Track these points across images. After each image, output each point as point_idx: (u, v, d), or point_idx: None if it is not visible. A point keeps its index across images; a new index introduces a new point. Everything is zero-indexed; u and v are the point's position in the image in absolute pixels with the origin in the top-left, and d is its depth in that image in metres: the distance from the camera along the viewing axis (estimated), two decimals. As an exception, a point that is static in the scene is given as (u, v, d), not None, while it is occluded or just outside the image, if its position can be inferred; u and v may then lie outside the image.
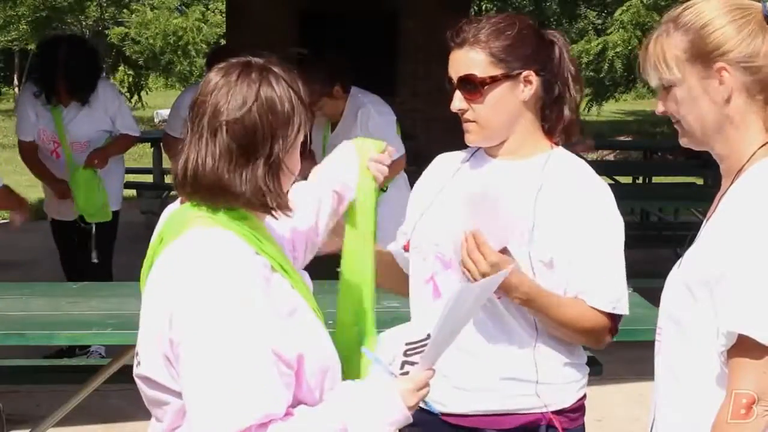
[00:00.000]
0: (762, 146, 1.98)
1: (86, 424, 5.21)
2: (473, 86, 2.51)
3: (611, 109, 30.14)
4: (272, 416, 1.92)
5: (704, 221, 2.08)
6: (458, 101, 2.54)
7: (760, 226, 1.87)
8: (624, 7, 24.40)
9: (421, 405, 2.15)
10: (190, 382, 1.93)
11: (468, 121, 2.55)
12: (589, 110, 29.14)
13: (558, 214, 2.49)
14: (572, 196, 2.51)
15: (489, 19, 2.54)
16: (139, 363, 2.07)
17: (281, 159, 2.00)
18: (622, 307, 2.56)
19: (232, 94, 1.98)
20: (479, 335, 2.54)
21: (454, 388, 2.58)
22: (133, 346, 2.17)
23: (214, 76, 2.03)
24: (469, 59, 2.51)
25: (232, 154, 1.98)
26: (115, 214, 6.42)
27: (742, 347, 1.87)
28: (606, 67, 25.00)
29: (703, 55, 1.97)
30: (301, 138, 2.04)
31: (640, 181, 12.22)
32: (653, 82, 2.06)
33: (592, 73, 26.37)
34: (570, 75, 2.60)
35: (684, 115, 2.02)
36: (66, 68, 6.06)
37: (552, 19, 28.12)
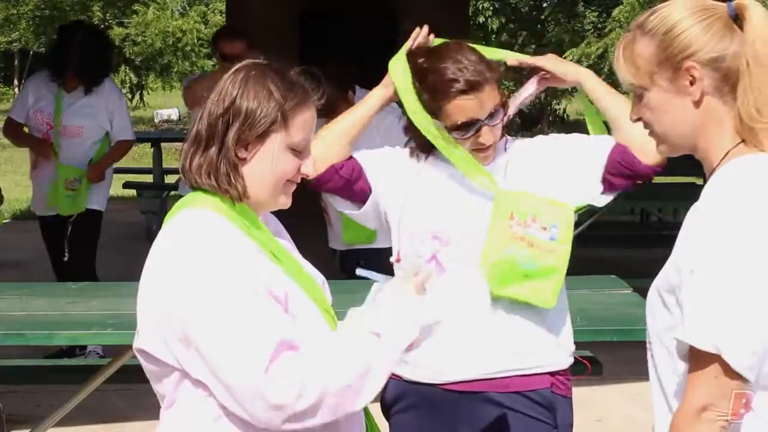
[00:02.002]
0: (735, 146, 1.97)
1: (86, 424, 5.21)
2: (497, 116, 2.70)
3: (611, 109, 30.11)
4: (290, 338, 2.03)
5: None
6: (490, 135, 2.70)
7: (715, 234, 1.86)
8: (622, 6, 24.39)
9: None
10: (206, 342, 2.03)
11: (490, 146, 2.73)
12: (589, 110, 29.13)
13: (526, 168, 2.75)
14: (533, 149, 2.80)
15: (469, 53, 2.70)
16: (138, 336, 2.17)
17: (234, 148, 2.14)
18: None
19: (218, 91, 2.18)
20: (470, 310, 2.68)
21: (453, 355, 2.68)
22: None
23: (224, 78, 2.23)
24: (488, 96, 2.68)
25: (199, 139, 2.16)
26: (98, 214, 6.43)
27: (693, 356, 1.86)
28: (606, 69, 24.99)
29: (671, 57, 1.97)
30: (274, 140, 2.15)
31: (639, 181, 12.17)
32: (626, 88, 2.08)
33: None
34: None
35: (658, 120, 2.02)
36: (80, 50, 6.18)
37: (549, 18, 28.12)
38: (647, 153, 2.68)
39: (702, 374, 1.85)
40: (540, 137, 2.87)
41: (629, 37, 2.04)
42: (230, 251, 2.07)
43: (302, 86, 2.18)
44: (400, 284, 2.18)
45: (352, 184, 2.79)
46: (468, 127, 2.67)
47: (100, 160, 6.35)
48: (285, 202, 2.23)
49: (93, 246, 6.44)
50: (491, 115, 2.68)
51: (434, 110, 2.68)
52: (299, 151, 2.18)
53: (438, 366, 2.66)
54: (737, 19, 1.96)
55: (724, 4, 1.99)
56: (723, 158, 1.97)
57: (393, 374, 2.15)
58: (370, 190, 2.80)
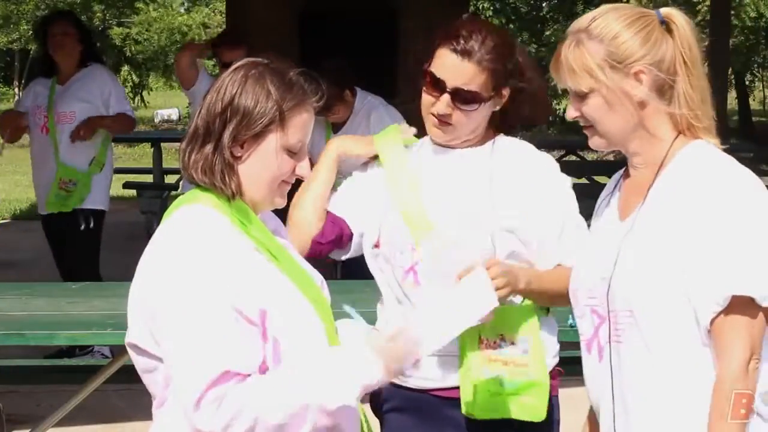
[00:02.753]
0: (675, 138, 2.20)
1: (86, 424, 5.21)
2: (469, 100, 2.64)
3: (611, 109, 30.16)
4: (238, 370, 2.01)
5: (609, 217, 2.28)
6: (445, 106, 2.64)
7: (715, 202, 2.08)
8: (624, 7, 24.40)
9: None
10: (167, 344, 2.07)
11: (447, 123, 2.67)
12: (589, 110, 29.13)
13: (514, 195, 2.66)
14: (523, 175, 2.69)
15: (484, 32, 2.64)
16: (128, 331, 2.18)
17: (230, 146, 2.14)
18: None
19: (217, 88, 2.17)
20: None
21: (439, 364, 2.66)
22: (133, 346, 2.19)
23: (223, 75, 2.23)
24: (469, 71, 2.62)
25: (197, 135, 2.16)
26: (101, 214, 6.41)
27: (736, 308, 2.06)
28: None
29: (620, 62, 2.17)
30: (270, 140, 2.15)
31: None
32: (569, 88, 2.22)
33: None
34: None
35: (602, 118, 2.20)
36: (58, 34, 6.24)
37: (548, 16, 28.11)
38: None
39: (747, 326, 2.06)
40: (540, 169, 2.73)
41: (572, 41, 2.21)
42: (217, 261, 2.07)
43: (301, 87, 2.18)
44: (371, 337, 2.12)
45: (339, 238, 2.76)
46: (434, 83, 2.64)
47: (95, 117, 6.31)
48: (280, 202, 2.23)
49: (96, 247, 6.42)
50: (458, 92, 2.62)
51: (431, 54, 2.67)
52: (295, 153, 2.18)
53: (424, 373, 2.66)
54: (664, 24, 2.19)
55: (653, 11, 2.21)
56: (669, 150, 2.19)
57: None
58: (352, 231, 2.78)
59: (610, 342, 2.22)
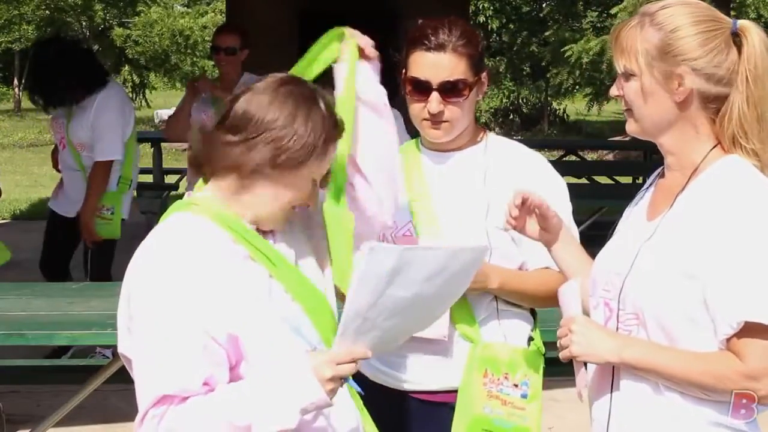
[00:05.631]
0: (713, 148, 2.14)
1: (86, 424, 5.21)
2: (458, 90, 2.64)
3: (611, 109, 30.15)
4: (187, 392, 2.03)
5: (639, 214, 2.24)
6: (437, 104, 2.64)
7: (744, 222, 2.02)
8: (621, 6, 24.40)
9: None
10: (134, 351, 2.10)
11: (442, 121, 2.66)
12: (589, 110, 29.12)
13: (507, 193, 2.59)
14: (517, 171, 2.70)
15: (448, 24, 2.65)
16: (119, 341, 2.18)
17: (269, 160, 2.07)
18: None
19: (274, 98, 2.10)
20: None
21: (417, 367, 2.68)
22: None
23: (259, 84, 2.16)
24: (449, 63, 2.63)
25: (235, 123, 2.10)
26: (121, 222, 6.36)
27: (749, 332, 2.01)
28: (605, 67, 25.00)
29: (669, 56, 2.10)
30: (305, 167, 2.10)
31: (640, 181, 12.21)
32: (618, 67, 2.18)
33: (593, 73, 26.32)
34: None
35: (639, 105, 2.16)
36: (53, 72, 5.97)
37: (548, 16, 28.12)
38: None
39: (762, 348, 2.01)
40: (532, 169, 2.73)
41: (636, 21, 2.15)
42: (192, 280, 2.04)
43: (340, 123, 2.18)
44: (309, 358, 2.07)
45: None
46: (418, 87, 2.65)
47: (84, 208, 6.08)
48: (281, 226, 2.20)
49: (111, 254, 6.33)
50: (446, 86, 2.63)
51: (404, 64, 2.69)
52: (316, 183, 2.17)
53: (401, 375, 2.67)
54: (736, 36, 2.11)
55: (729, 20, 2.12)
56: (704, 159, 2.13)
57: (358, 372, 2.11)
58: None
59: None
